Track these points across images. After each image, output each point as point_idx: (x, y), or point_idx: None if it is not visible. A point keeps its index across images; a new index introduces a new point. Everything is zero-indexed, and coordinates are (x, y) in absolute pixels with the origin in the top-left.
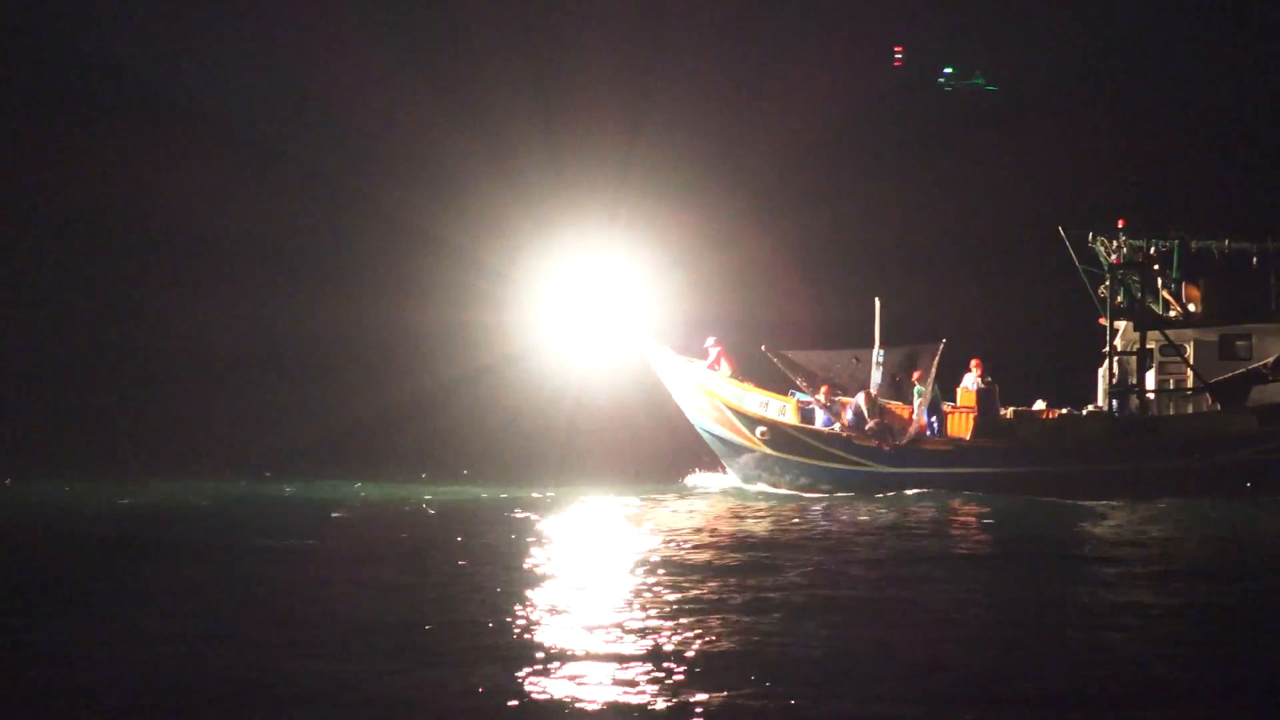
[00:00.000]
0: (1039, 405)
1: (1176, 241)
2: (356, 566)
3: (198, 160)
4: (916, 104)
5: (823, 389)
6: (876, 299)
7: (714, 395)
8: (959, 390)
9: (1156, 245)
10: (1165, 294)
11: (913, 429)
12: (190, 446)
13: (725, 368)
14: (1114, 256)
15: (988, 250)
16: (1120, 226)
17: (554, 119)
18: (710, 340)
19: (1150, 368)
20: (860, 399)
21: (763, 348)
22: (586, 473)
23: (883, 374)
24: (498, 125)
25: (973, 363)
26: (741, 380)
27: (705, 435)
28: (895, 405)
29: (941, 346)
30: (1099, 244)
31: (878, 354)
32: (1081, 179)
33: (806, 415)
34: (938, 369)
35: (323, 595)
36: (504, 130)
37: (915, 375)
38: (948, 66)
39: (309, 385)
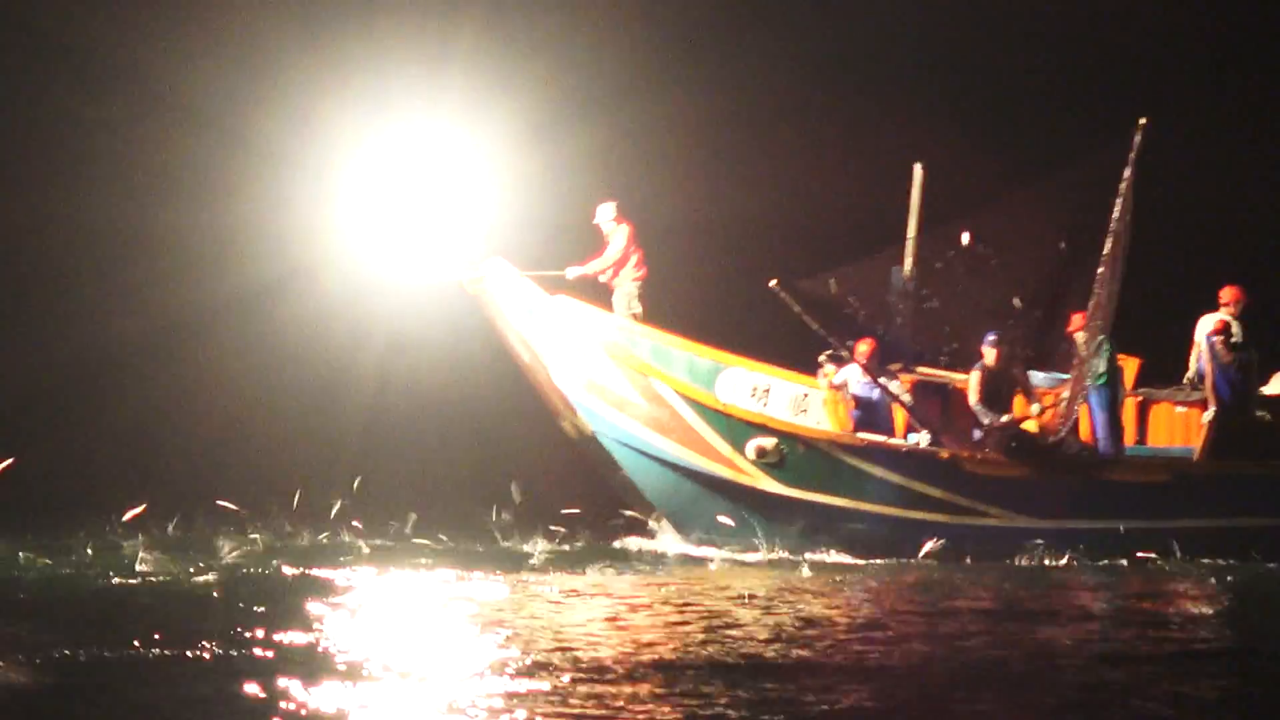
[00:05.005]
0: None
1: None
2: None
3: None
4: None
5: (865, 345)
6: (917, 166)
7: (650, 372)
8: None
9: None
10: None
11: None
12: None
13: (634, 262)
14: None
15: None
16: None
17: None
18: (608, 208)
19: None
20: (974, 378)
21: (773, 284)
22: (403, 508)
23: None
24: None
25: (1225, 295)
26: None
27: (621, 452)
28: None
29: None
30: None
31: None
32: None
33: (867, 411)
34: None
35: None
36: None
37: (1075, 324)
38: None
39: None
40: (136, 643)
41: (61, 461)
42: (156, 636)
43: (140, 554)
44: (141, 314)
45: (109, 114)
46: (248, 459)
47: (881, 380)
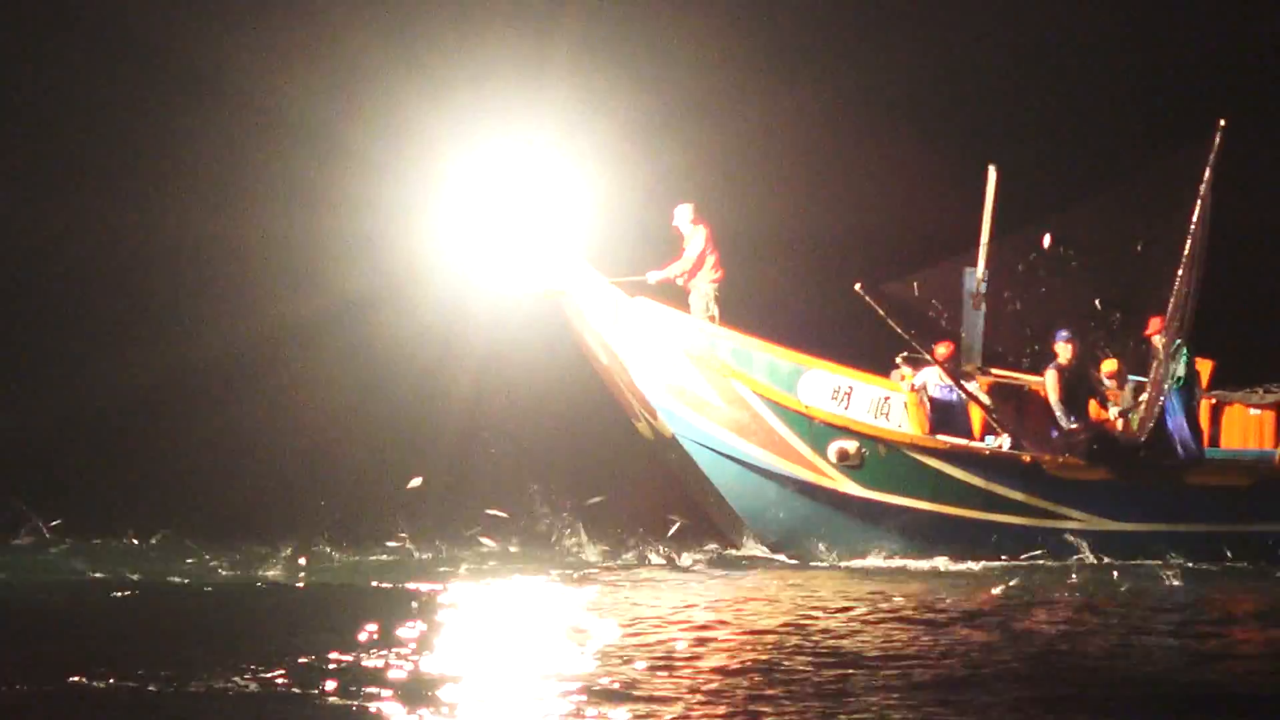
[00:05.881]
0: None
1: None
2: None
3: None
4: None
5: (944, 348)
6: (991, 168)
7: (731, 374)
8: None
9: None
10: None
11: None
12: None
13: (711, 263)
14: None
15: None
16: None
17: None
18: (686, 210)
19: None
20: (1050, 378)
21: (858, 287)
22: (499, 517)
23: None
24: None
25: None
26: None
27: (701, 454)
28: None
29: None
30: None
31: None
32: None
33: (944, 413)
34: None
35: None
36: None
37: (1153, 328)
38: None
39: None
40: (270, 658)
41: (152, 473)
42: (289, 647)
43: (257, 565)
44: (237, 325)
45: (207, 127)
46: (344, 469)
47: (946, 366)
